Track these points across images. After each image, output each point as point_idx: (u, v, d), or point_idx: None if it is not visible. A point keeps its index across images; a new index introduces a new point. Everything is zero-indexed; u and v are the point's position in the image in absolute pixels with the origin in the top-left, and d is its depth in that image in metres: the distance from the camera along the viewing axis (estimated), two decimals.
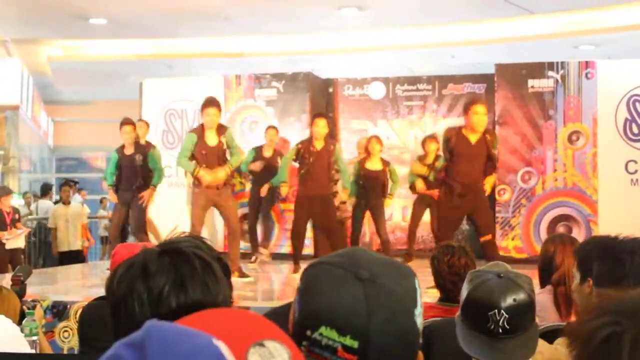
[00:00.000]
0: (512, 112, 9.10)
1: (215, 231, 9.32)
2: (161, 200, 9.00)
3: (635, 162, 8.79)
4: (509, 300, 1.78)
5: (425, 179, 8.35)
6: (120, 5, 9.91)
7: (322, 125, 7.26)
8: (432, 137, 8.61)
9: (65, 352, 5.43)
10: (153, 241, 7.03)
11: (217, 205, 7.09)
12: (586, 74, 8.96)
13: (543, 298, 3.13)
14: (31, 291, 5.22)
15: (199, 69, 12.78)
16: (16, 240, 9.16)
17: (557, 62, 9.09)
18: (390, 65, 12.55)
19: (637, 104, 8.87)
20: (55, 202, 11.37)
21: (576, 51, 11.79)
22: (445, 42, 11.64)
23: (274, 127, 9.01)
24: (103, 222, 13.17)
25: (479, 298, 1.81)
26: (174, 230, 1.24)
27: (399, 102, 9.99)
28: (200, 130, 6.97)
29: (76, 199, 11.96)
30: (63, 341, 5.58)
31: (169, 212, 9.13)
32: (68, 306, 5.65)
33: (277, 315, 0.98)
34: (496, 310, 1.78)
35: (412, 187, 8.61)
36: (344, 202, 8.37)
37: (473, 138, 6.39)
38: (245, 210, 9.24)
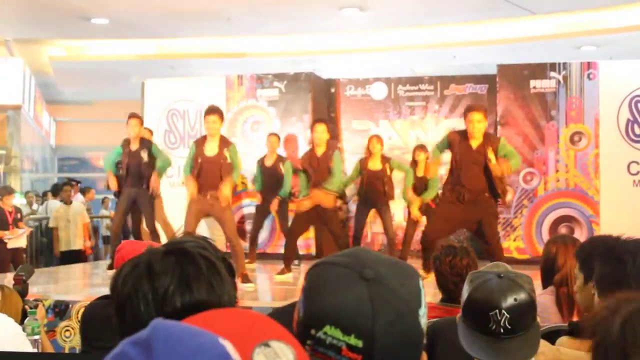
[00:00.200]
0: (514, 112, 9.11)
1: (217, 231, 9.32)
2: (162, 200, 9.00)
3: (637, 163, 8.79)
4: (509, 300, 1.79)
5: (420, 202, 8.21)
6: (122, 6, 9.91)
7: (320, 131, 7.26)
8: (422, 147, 8.46)
9: (66, 351, 5.43)
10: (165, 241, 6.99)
11: (211, 215, 7.00)
12: (588, 75, 8.96)
13: (545, 299, 3.13)
14: (33, 290, 5.23)
15: (201, 69, 12.78)
16: (18, 239, 9.16)
17: (559, 63, 9.09)
18: (392, 65, 12.55)
19: (639, 104, 8.87)
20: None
21: (578, 52, 11.79)
22: (447, 43, 11.63)
23: (275, 135, 8.84)
24: (105, 221, 13.18)
25: (480, 298, 1.82)
26: (179, 230, 1.24)
27: (401, 103, 9.99)
28: (201, 140, 6.98)
29: (78, 198, 11.97)
30: (65, 340, 5.59)
31: (170, 212, 9.12)
32: (70, 305, 5.66)
33: (282, 315, 0.98)
34: (497, 311, 1.78)
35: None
36: (346, 203, 8.36)
37: (474, 143, 6.32)
38: (246, 210, 9.22)
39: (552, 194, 8.99)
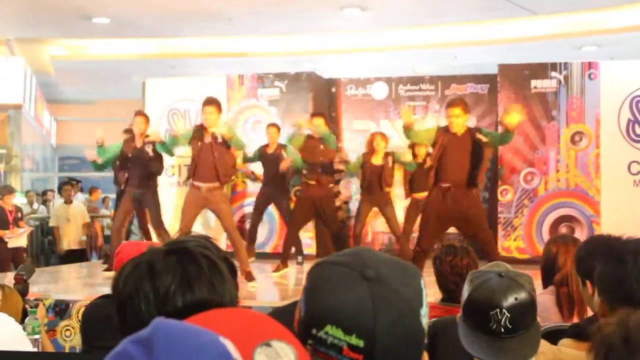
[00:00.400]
0: None
1: (219, 230, 9.32)
2: (162, 200, 8.99)
3: (638, 163, 8.78)
4: (510, 300, 1.79)
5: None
6: (123, 5, 9.91)
7: (317, 124, 7.35)
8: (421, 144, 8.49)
9: (67, 350, 5.44)
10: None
11: (208, 206, 7.00)
12: (589, 75, 8.96)
13: (545, 299, 3.13)
14: (34, 290, 5.24)
15: (202, 68, 12.77)
16: (18, 239, 9.16)
17: (560, 63, 9.09)
18: (392, 65, 12.54)
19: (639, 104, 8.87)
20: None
21: (579, 52, 11.79)
22: (448, 43, 11.63)
23: (274, 125, 8.59)
24: (105, 221, 13.18)
25: (480, 298, 1.82)
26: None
27: (402, 102, 9.99)
28: (200, 126, 7.00)
29: (78, 197, 11.98)
30: (65, 340, 5.59)
31: (171, 212, 9.13)
32: (70, 305, 5.66)
33: (283, 314, 0.98)
34: (498, 310, 1.78)
35: (409, 185, 8.60)
36: (347, 202, 8.37)
37: (458, 132, 6.27)
38: (246, 210, 9.22)
39: (552, 193, 8.98)
